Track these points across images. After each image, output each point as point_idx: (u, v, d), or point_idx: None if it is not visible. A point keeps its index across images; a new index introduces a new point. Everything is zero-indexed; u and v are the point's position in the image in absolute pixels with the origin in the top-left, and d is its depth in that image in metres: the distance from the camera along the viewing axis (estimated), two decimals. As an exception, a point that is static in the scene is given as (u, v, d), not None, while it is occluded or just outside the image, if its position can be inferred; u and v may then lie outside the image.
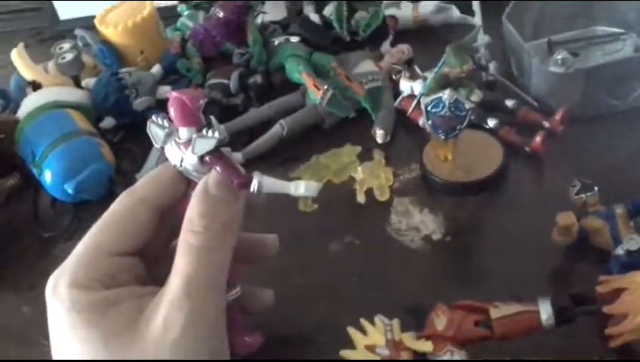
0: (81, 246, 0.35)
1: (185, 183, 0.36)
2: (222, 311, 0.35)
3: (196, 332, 0.32)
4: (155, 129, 0.35)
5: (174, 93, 0.35)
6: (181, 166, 0.35)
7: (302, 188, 0.34)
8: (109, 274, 0.34)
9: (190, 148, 0.34)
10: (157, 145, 0.36)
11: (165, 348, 0.32)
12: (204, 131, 0.34)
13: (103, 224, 0.36)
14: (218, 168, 0.34)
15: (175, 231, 0.36)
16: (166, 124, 0.35)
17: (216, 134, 0.34)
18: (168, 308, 0.32)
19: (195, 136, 0.34)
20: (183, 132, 0.35)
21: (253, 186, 0.34)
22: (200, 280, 0.33)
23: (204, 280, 0.33)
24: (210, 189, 0.34)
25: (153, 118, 0.36)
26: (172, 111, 0.35)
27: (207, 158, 0.34)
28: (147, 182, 0.37)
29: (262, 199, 0.40)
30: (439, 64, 0.56)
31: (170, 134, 0.35)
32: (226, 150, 0.35)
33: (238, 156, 0.63)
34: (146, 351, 0.32)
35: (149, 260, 0.37)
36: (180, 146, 0.35)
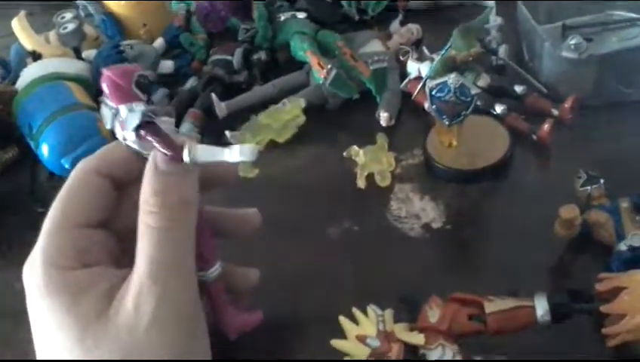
0: (48, 223, 0.35)
1: (140, 161, 0.35)
2: (193, 289, 0.34)
3: (167, 315, 0.32)
4: (104, 110, 0.34)
5: (105, 71, 0.33)
6: (128, 146, 0.34)
7: (236, 152, 0.32)
8: (80, 248, 0.34)
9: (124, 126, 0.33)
10: (107, 127, 0.35)
11: (139, 333, 0.31)
12: (133, 105, 0.33)
13: (63, 197, 0.35)
14: (153, 142, 0.33)
15: None
16: (112, 104, 0.34)
17: (141, 106, 0.33)
18: (137, 294, 0.32)
19: (126, 112, 0.33)
20: (123, 110, 0.33)
21: (186, 157, 0.33)
22: (164, 261, 0.32)
23: (168, 261, 0.33)
24: (159, 165, 0.33)
25: (103, 98, 0.34)
26: (106, 90, 0.33)
27: (141, 133, 0.33)
28: (99, 154, 0.37)
29: (231, 173, 0.40)
30: (446, 47, 0.54)
31: (116, 114, 0.34)
32: (168, 120, 0.34)
33: (237, 135, 0.62)
34: (120, 338, 0.31)
35: (122, 238, 0.37)
36: (121, 125, 0.34)
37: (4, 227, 0.60)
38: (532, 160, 0.57)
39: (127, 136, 0.34)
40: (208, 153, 0.33)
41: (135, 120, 0.33)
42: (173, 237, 0.33)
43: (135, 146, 0.34)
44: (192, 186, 0.35)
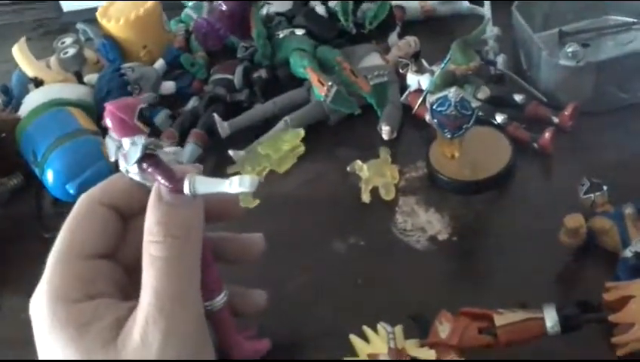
0: (53, 255, 0.35)
1: (146, 191, 0.36)
2: (199, 318, 0.35)
3: (175, 346, 0.32)
4: (109, 143, 0.35)
5: (107, 106, 0.34)
6: (131, 178, 0.35)
7: (236, 183, 0.33)
8: (84, 279, 0.34)
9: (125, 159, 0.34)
10: (111, 160, 0.35)
11: None
12: (135, 138, 0.33)
13: (67, 230, 0.36)
14: (154, 174, 0.33)
15: None
16: (116, 137, 0.34)
17: (142, 140, 0.33)
18: (143, 326, 0.32)
19: (129, 145, 0.34)
20: (126, 143, 0.34)
21: (186, 189, 0.33)
22: (169, 292, 0.32)
23: (174, 292, 0.33)
24: (163, 195, 0.33)
25: (109, 132, 0.35)
26: (109, 124, 0.34)
27: (143, 166, 0.33)
28: (103, 185, 0.37)
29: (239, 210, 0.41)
30: (445, 60, 0.54)
31: (120, 147, 0.34)
32: (170, 151, 0.35)
33: (241, 153, 0.62)
34: None
35: (130, 269, 0.37)
36: (124, 157, 0.34)
37: (11, 255, 0.60)
38: (535, 168, 0.57)
39: (130, 168, 0.34)
40: (208, 184, 0.33)
41: (137, 153, 0.33)
42: (178, 267, 0.33)
43: (138, 178, 0.35)
44: (196, 217, 0.35)
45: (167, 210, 0.33)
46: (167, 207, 0.33)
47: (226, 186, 0.33)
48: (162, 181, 0.33)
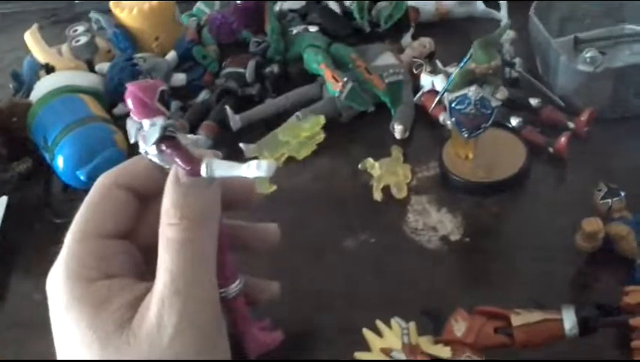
0: (70, 234, 0.35)
1: (164, 173, 0.35)
2: (215, 303, 0.34)
3: (189, 329, 0.32)
4: (130, 125, 0.35)
5: (129, 86, 0.34)
6: (150, 159, 0.34)
7: (254, 168, 0.32)
8: (102, 258, 0.34)
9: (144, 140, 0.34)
10: (131, 141, 0.35)
11: (160, 347, 0.31)
12: (155, 120, 0.33)
13: (84, 209, 0.35)
14: (173, 156, 0.33)
15: None
16: (136, 119, 0.34)
17: (161, 121, 0.33)
18: (159, 307, 0.31)
19: (148, 126, 0.33)
20: (146, 124, 0.34)
21: (203, 171, 0.33)
22: (185, 275, 0.32)
23: (189, 274, 0.32)
24: (181, 178, 0.33)
25: (130, 114, 0.35)
26: (130, 105, 0.34)
27: (162, 148, 0.33)
28: (122, 166, 0.37)
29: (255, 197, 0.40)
30: (465, 59, 0.54)
31: (140, 128, 0.34)
32: (192, 137, 0.35)
33: (252, 147, 0.62)
34: (141, 351, 0.31)
35: (146, 249, 0.37)
36: (143, 139, 0.34)
37: (20, 239, 0.60)
38: (549, 172, 0.57)
39: (148, 150, 0.34)
40: (225, 168, 0.33)
41: (156, 134, 0.33)
42: (194, 250, 0.33)
43: (156, 160, 0.34)
44: (213, 200, 0.34)
45: (184, 192, 0.33)
46: (184, 189, 0.33)
47: (243, 170, 0.32)
48: (180, 163, 0.33)
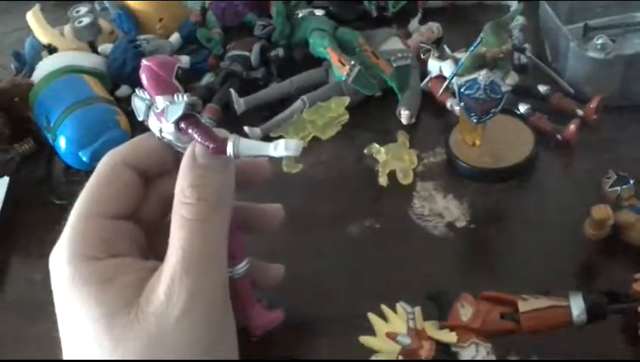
0: (73, 215, 0.34)
1: (171, 153, 0.35)
2: (224, 283, 0.34)
3: (199, 307, 0.32)
4: (138, 102, 0.34)
5: (144, 62, 0.33)
6: (163, 137, 0.34)
7: (281, 147, 0.32)
8: (105, 238, 0.34)
9: (164, 117, 0.33)
10: (140, 119, 0.34)
11: (168, 324, 0.31)
12: (175, 97, 0.33)
13: (89, 188, 0.35)
14: (194, 134, 0.32)
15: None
16: (146, 95, 0.34)
17: (185, 98, 0.32)
18: (169, 284, 0.31)
19: (167, 103, 0.33)
20: (160, 101, 0.33)
21: (229, 150, 0.32)
22: (198, 253, 0.32)
23: (202, 254, 0.32)
24: (197, 158, 0.33)
25: (136, 90, 0.34)
26: (144, 81, 0.33)
27: (182, 125, 0.32)
28: (128, 145, 0.36)
29: (265, 171, 0.40)
30: (476, 42, 0.53)
31: (150, 106, 0.33)
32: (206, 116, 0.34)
33: (256, 131, 0.61)
34: (149, 329, 0.31)
35: (148, 230, 0.37)
36: (158, 117, 0.33)
37: (21, 220, 0.59)
38: (557, 160, 0.56)
39: (164, 127, 0.33)
40: (253, 147, 0.32)
41: (179, 111, 0.32)
42: (208, 229, 0.33)
43: (171, 138, 0.34)
44: (229, 181, 0.34)
45: (201, 173, 0.33)
46: (201, 170, 0.33)
47: (270, 150, 0.32)
48: (204, 141, 0.32)
